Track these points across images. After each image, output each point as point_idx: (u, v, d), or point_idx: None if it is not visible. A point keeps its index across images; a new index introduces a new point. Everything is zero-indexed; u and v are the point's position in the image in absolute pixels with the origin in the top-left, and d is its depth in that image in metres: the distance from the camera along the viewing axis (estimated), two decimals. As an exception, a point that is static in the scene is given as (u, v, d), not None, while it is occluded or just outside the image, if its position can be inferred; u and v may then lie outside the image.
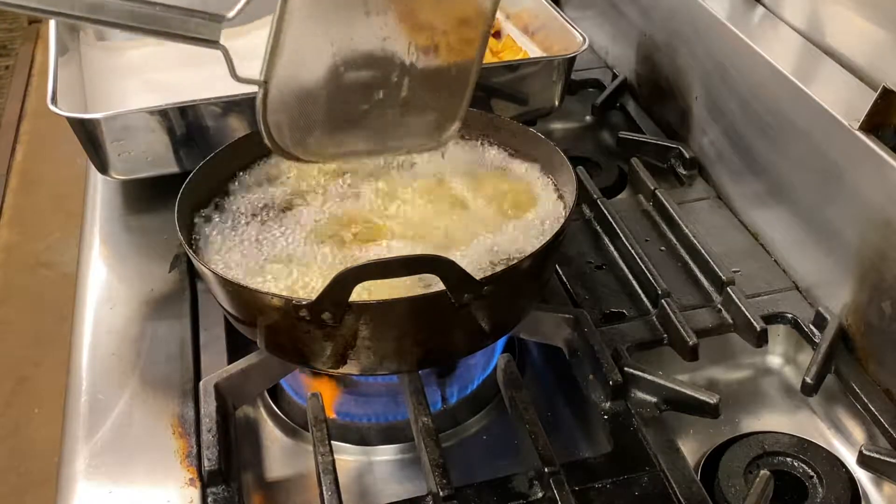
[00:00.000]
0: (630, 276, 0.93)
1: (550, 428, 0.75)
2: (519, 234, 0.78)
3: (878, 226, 0.78)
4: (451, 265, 0.66)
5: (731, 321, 0.86)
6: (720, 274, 0.88)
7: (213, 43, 0.66)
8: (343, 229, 0.79)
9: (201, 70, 1.10)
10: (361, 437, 0.80)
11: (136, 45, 1.21)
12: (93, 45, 1.21)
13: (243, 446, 0.79)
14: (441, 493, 0.67)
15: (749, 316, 0.83)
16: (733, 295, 0.86)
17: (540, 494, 0.70)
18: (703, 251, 0.92)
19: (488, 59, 1.17)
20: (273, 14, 0.66)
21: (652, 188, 1.02)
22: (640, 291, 0.91)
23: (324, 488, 0.67)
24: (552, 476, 0.69)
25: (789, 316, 0.86)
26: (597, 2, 1.35)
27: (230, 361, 0.80)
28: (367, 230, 0.79)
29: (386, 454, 0.79)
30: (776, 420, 0.82)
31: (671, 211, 0.98)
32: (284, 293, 0.70)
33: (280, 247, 0.77)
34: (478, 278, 0.67)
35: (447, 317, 0.69)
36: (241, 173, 0.85)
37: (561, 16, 1.14)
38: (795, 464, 0.75)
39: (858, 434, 0.79)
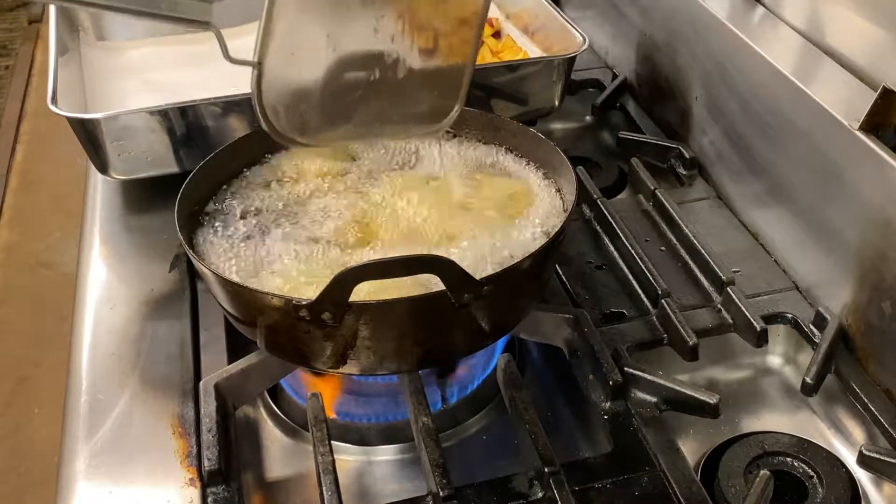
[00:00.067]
0: (630, 276, 0.93)
1: (550, 428, 0.75)
2: (519, 234, 0.78)
3: (878, 226, 0.78)
4: (451, 265, 0.66)
5: (731, 321, 0.86)
6: (720, 274, 0.88)
7: (204, 23, 0.65)
8: (343, 229, 0.79)
9: (201, 70, 1.10)
10: (361, 437, 0.80)
11: (136, 45, 1.21)
12: (93, 45, 1.21)
13: (243, 446, 0.79)
14: (441, 493, 0.67)
15: (749, 316, 0.83)
16: (733, 295, 0.86)
17: (540, 494, 0.70)
18: (703, 251, 0.92)
19: (488, 59, 1.17)
20: None
21: (652, 188, 1.02)
22: (640, 291, 0.91)
23: (324, 488, 0.67)
24: (552, 476, 0.69)
25: (789, 316, 0.86)
26: (597, 2, 1.35)
27: (230, 361, 0.80)
28: (366, 231, 0.79)
29: (386, 454, 0.79)
30: (776, 420, 0.82)
31: (671, 211, 0.98)
32: (284, 293, 0.70)
33: (280, 247, 0.77)
34: (478, 278, 0.67)
35: (447, 317, 0.69)
36: (241, 173, 0.85)
37: (561, 16, 1.14)
38: (795, 464, 0.75)
39: (858, 434, 0.79)
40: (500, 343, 0.84)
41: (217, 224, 0.80)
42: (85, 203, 1.06)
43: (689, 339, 0.81)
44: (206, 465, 0.70)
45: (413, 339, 0.71)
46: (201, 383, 0.77)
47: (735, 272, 0.89)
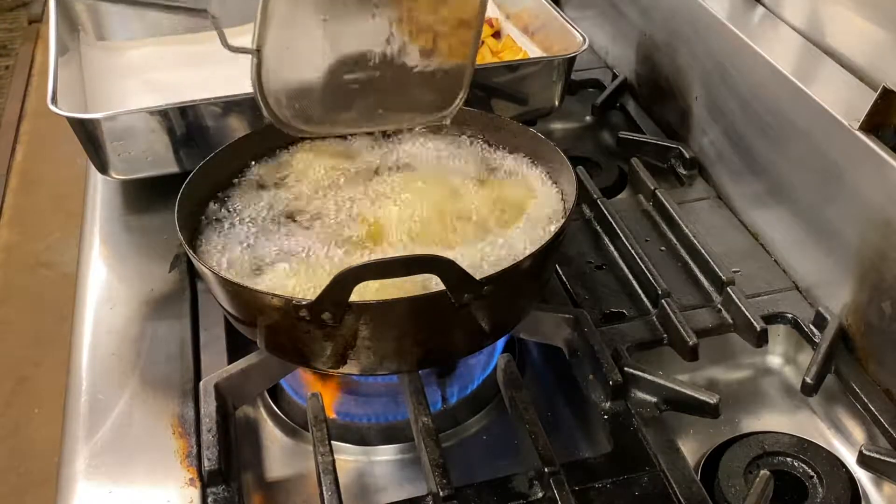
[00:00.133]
0: (630, 276, 0.93)
1: (550, 428, 0.75)
2: (519, 234, 0.78)
3: (878, 226, 0.78)
4: (451, 265, 0.66)
5: (731, 321, 0.86)
6: (720, 274, 0.88)
7: (201, 11, 0.65)
8: (343, 230, 0.79)
9: (201, 70, 1.10)
10: (361, 437, 0.80)
11: (136, 45, 1.21)
12: (93, 45, 1.21)
13: (243, 446, 0.79)
14: (441, 493, 0.67)
15: (749, 316, 0.83)
16: (733, 295, 0.86)
17: (540, 494, 0.70)
18: (703, 251, 0.92)
19: (488, 59, 1.17)
20: None
21: (652, 188, 1.02)
22: (640, 291, 0.91)
23: (324, 488, 0.67)
24: (552, 476, 0.69)
25: (789, 316, 0.86)
26: (597, 2, 1.35)
27: (230, 361, 0.80)
28: (366, 231, 0.78)
29: (386, 454, 0.79)
30: (776, 420, 0.82)
31: (671, 211, 0.98)
32: (285, 293, 0.70)
33: (280, 247, 0.77)
34: (477, 278, 0.67)
35: (447, 317, 0.69)
36: (241, 173, 0.85)
37: (561, 16, 1.14)
38: (795, 464, 0.75)
39: (858, 434, 0.79)
40: (500, 343, 0.84)
41: (217, 224, 0.80)
42: (85, 203, 1.06)
43: (689, 339, 0.81)
44: (206, 465, 0.70)
45: (413, 339, 0.71)
46: (201, 383, 0.77)
47: (735, 272, 0.89)
